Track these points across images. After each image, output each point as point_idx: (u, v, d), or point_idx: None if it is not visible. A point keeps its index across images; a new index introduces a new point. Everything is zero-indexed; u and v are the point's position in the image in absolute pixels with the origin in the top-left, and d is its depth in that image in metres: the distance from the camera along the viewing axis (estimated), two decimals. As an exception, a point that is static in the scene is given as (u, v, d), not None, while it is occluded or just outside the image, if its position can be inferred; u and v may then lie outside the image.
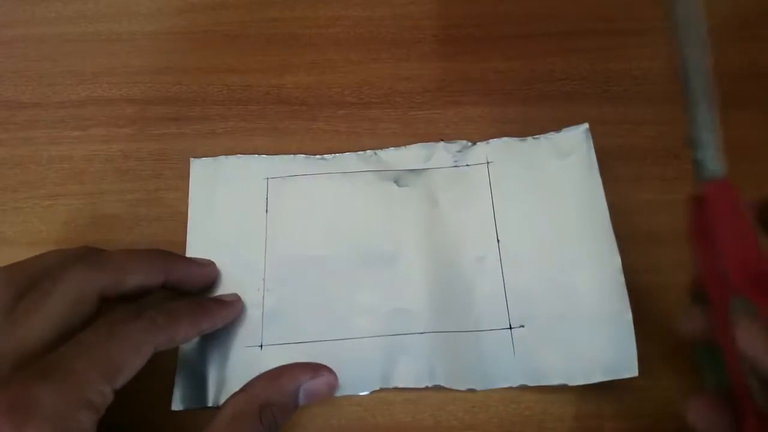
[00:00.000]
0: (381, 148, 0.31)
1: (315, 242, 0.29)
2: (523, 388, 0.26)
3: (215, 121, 0.34)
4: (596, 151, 0.30)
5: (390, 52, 0.36)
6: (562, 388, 0.26)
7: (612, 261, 0.27)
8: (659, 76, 0.34)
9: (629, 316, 0.26)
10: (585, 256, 0.28)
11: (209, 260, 0.29)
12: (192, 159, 0.31)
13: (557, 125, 0.31)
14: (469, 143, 0.31)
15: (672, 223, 0.31)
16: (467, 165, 0.31)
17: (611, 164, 0.32)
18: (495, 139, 0.31)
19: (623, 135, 0.33)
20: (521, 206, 0.29)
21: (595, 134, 0.30)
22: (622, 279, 0.27)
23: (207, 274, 0.28)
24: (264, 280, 0.28)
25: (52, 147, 0.34)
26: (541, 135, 0.31)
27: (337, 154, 0.31)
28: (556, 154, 0.30)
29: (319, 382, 0.26)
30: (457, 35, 0.36)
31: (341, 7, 0.37)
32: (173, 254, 0.27)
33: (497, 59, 0.35)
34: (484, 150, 0.31)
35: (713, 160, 0.20)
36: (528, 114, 0.33)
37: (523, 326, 0.27)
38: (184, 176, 0.33)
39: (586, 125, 0.30)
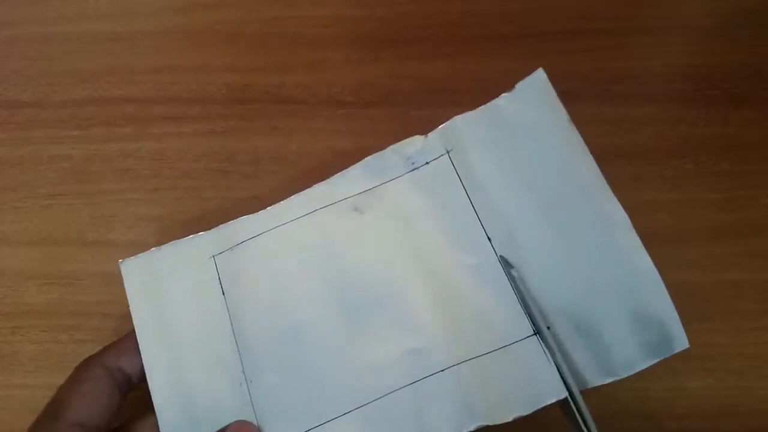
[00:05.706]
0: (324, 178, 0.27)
1: (288, 309, 0.25)
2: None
3: (214, 121, 0.34)
4: (596, 151, 0.30)
5: (390, 51, 0.36)
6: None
7: (621, 220, 0.24)
8: (659, 76, 0.34)
9: (658, 276, 0.23)
10: (589, 224, 0.24)
11: None
12: (121, 262, 0.26)
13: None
14: (420, 137, 0.27)
15: (672, 223, 0.31)
16: (426, 163, 0.26)
17: (611, 164, 0.32)
18: (445, 124, 0.27)
19: (623, 135, 0.33)
20: (500, 189, 0.25)
21: (595, 134, 0.30)
22: (637, 239, 0.23)
23: None
24: (243, 371, 0.24)
25: (51, 146, 0.34)
26: (493, 100, 0.26)
27: (279, 203, 0.27)
28: (517, 113, 0.26)
29: None
30: (457, 35, 0.36)
31: (341, 7, 0.37)
32: None
33: (497, 59, 0.35)
34: (439, 140, 0.27)
35: None
36: (528, 114, 0.33)
37: (549, 326, 0.23)
38: (184, 176, 0.33)
39: (540, 70, 0.26)
